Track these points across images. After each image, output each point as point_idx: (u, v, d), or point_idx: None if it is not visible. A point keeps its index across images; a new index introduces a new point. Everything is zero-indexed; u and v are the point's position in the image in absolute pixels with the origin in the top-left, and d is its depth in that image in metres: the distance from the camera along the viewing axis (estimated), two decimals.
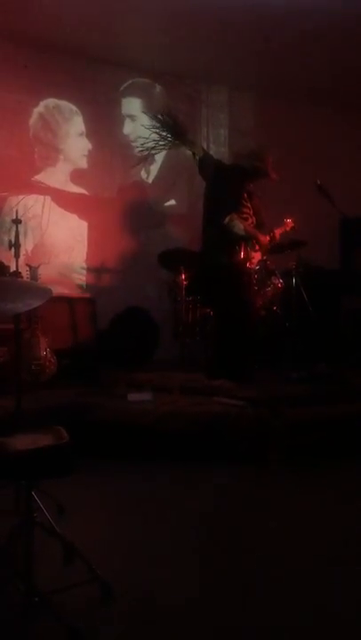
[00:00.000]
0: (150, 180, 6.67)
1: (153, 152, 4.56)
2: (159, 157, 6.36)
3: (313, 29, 5.64)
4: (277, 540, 2.28)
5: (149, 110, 4.74)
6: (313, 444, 3.34)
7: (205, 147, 5.74)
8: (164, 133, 4.42)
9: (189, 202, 6.44)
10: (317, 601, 1.81)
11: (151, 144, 4.46)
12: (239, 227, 4.17)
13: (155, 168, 6.57)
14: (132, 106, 6.48)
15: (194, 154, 4.52)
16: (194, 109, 6.68)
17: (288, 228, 4.93)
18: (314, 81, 6.80)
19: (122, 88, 6.51)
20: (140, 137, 4.57)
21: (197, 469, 3.13)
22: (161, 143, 4.44)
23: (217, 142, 6.76)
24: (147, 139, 4.45)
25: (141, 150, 4.54)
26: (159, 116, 4.46)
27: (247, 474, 3.09)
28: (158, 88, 6.68)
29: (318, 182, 4.84)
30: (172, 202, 6.71)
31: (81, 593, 1.83)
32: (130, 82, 6.55)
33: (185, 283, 5.47)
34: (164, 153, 5.69)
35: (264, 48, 5.95)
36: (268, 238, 4.57)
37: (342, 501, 2.71)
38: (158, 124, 4.43)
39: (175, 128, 4.47)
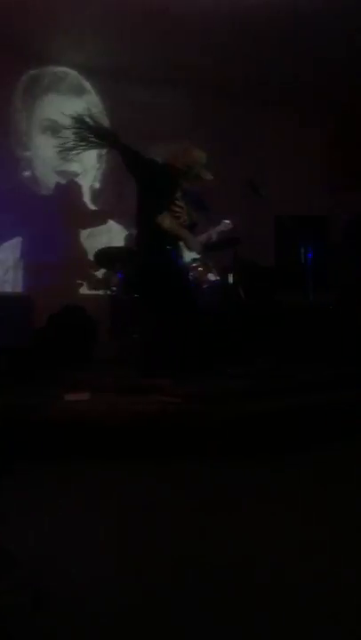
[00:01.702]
0: (88, 177, 6.61)
1: (73, 152, 4.48)
2: (95, 154, 6.31)
3: (252, 25, 5.70)
4: (209, 538, 2.30)
5: (78, 108, 4.67)
6: (251, 439, 3.38)
7: (139, 145, 5.69)
8: (86, 134, 4.35)
9: (129, 199, 6.42)
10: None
11: (71, 144, 4.39)
12: (170, 226, 4.18)
13: (91, 164, 6.51)
14: (62, 103, 6.38)
15: (121, 153, 4.47)
16: (127, 108, 6.65)
17: (226, 229, 4.99)
18: (252, 80, 6.89)
19: (48, 83, 6.43)
20: (60, 136, 4.50)
21: (136, 467, 3.12)
22: (82, 144, 4.38)
23: (151, 140, 6.69)
24: (67, 138, 4.38)
25: (61, 150, 4.46)
26: (81, 117, 4.38)
27: (185, 470, 3.10)
28: (88, 86, 6.63)
29: (253, 181, 4.92)
30: (111, 198, 6.66)
31: (13, 600, 1.79)
32: (57, 77, 6.47)
33: (122, 281, 5.46)
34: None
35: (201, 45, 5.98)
36: (202, 238, 4.60)
37: (277, 498, 2.75)
38: (79, 125, 4.35)
39: (97, 128, 4.40)
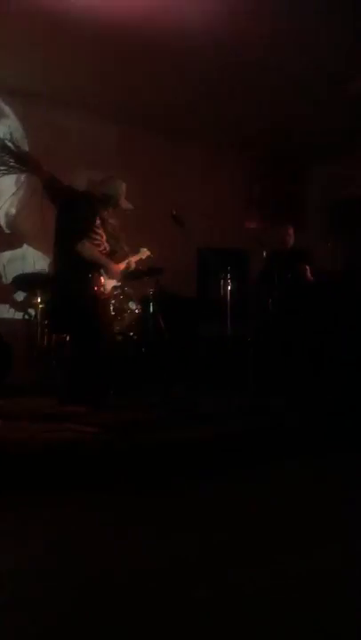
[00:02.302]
0: (3, 201, 6.49)
1: None
2: (12, 178, 6.22)
3: (174, 59, 5.85)
4: (117, 569, 2.26)
5: None
6: (162, 468, 3.38)
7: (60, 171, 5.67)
8: (7, 158, 4.32)
9: (47, 225, 6.37)
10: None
11: None
12: (90, 253, 4.18)
13: (7, 188, 6.39)
14: None
15: (42, 179, 4.45)
16: (48, 133, 6.63)
17: (144, 257, 5.03)
18: (175, 114, 7.07)
19: None
20: None
21: (46, 498, 3.03)
22: (2, 168, 4.34)
23: (71, 168, 6.62)
24: None
25: None
26: (2, 141, 4.34)
27: (97, 501, 3.05)
28: (8, 110, 6.58)
29: (174, 212, 5.01)
30: (28, 223, 6.56)
31: None
32: None
33: (41, 306, 5.38)
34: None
35: (122, 76, 6.06)
36: (121, 266, 4.61)
37: (187, 528, 2.75)
38: (0, 149, 4.31)
39: (19, 153, 4.38)
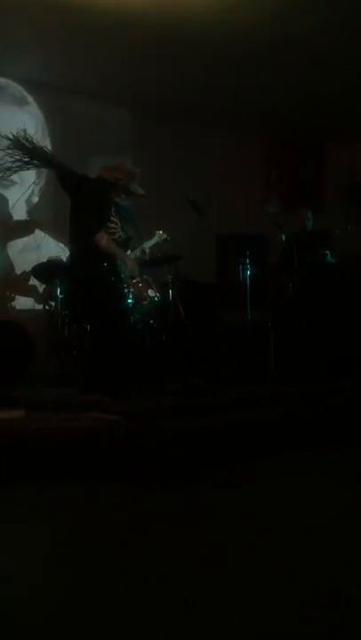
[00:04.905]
0: (19, 190, 6.49)
1: (8, 174, 4.43)
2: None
3: (193, 45, 5.80)
4: (141, 559, 2.28)
5: (17, 120, 4.60)
6: (184, 456, 3.39)
7: (79, 159, 5.62)
8: (22, 154, 4.30)
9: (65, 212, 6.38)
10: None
11: (8, 164, 4.33)
12: (106, 246, 4.16)
13: (28, 176, 6.40)
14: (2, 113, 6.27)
15: (56, 172, 4.44)
16: (66, 122, 6.62)
17: (160, 240, 4.99)
18: (191, 99, 7.00)
19: None
20: None
21: (70, 486, 3.07)
22: (17, 164, 4.33)
23: (88, 155, 6.55)
24: (3, 159, 4.32)
25: None
26: (17, 137, 4.32)
27: (120, 488, 3.08)
28: (30, 98, 6.57)
29: (191, 198, 4.98)
30: (49, 210, 6.55)
31: None
32: None
33: (61, 295, 5.40)
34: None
35: (138, 63, 6.02)
36: (137, 253, 4.61)
37: (213, 514, 2.76)
38: (15, 145, 4.30)
39: (33, 149, 4.36)
